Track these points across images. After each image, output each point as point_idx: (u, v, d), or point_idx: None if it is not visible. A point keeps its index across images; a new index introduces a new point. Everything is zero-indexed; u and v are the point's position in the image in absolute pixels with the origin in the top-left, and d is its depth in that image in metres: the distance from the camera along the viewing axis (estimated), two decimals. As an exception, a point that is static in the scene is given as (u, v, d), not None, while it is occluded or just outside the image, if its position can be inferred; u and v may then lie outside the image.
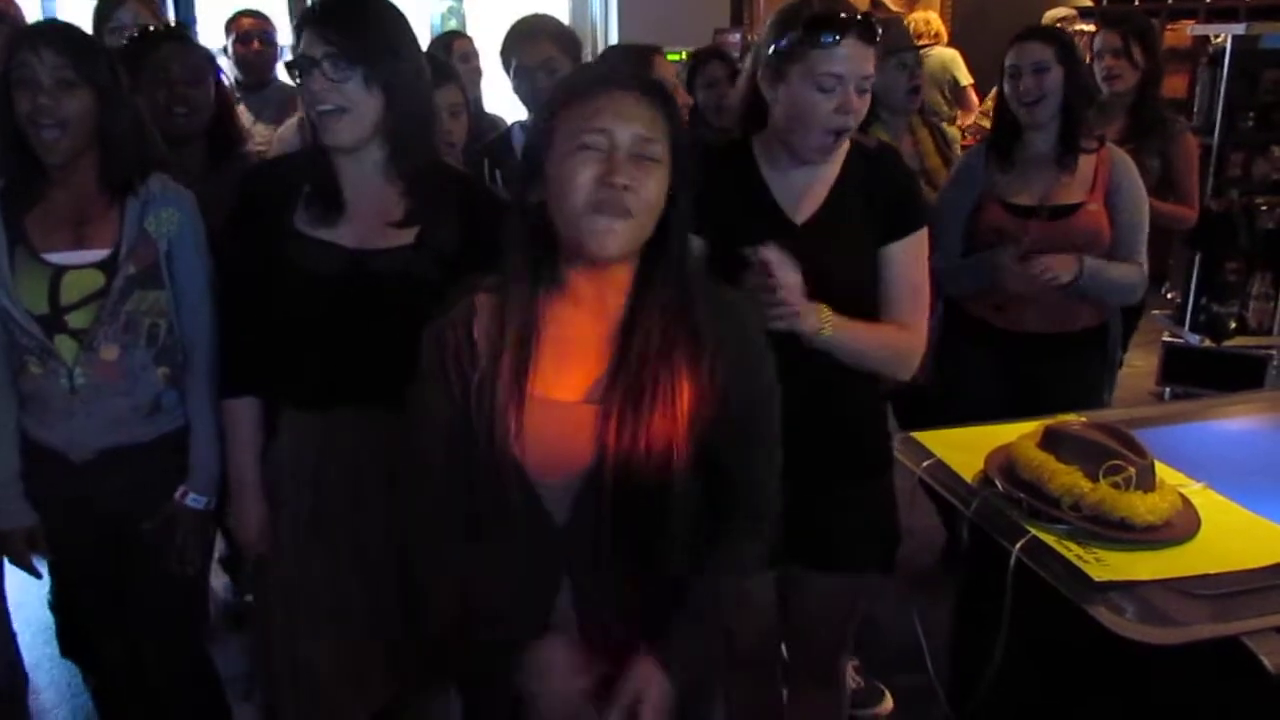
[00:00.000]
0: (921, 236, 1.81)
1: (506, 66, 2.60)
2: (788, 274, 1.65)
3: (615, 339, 1.36)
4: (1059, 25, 5.61)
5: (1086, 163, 2.62)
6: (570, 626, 1.44)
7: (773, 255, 1.65)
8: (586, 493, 1.36)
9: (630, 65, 1.42)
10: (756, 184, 1.81)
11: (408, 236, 1.77)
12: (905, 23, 3.20)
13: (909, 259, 1.80)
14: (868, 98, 1.74)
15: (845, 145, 1.80)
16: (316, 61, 1.67)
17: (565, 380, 1.36)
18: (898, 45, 2.97)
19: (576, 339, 1.37)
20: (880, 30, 1.75)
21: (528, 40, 2.55)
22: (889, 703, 2.77)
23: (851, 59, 1.70)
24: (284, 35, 3.87)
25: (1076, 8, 6.07)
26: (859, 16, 1.71)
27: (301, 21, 1.71)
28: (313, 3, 1.73)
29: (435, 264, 1.73)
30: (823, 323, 1.68)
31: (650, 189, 1.29)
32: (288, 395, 1.88)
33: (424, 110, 1.81)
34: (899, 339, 1.79)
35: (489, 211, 1.75)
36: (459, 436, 1.38)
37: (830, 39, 1.68)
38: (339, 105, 1.69)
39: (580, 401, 1.35)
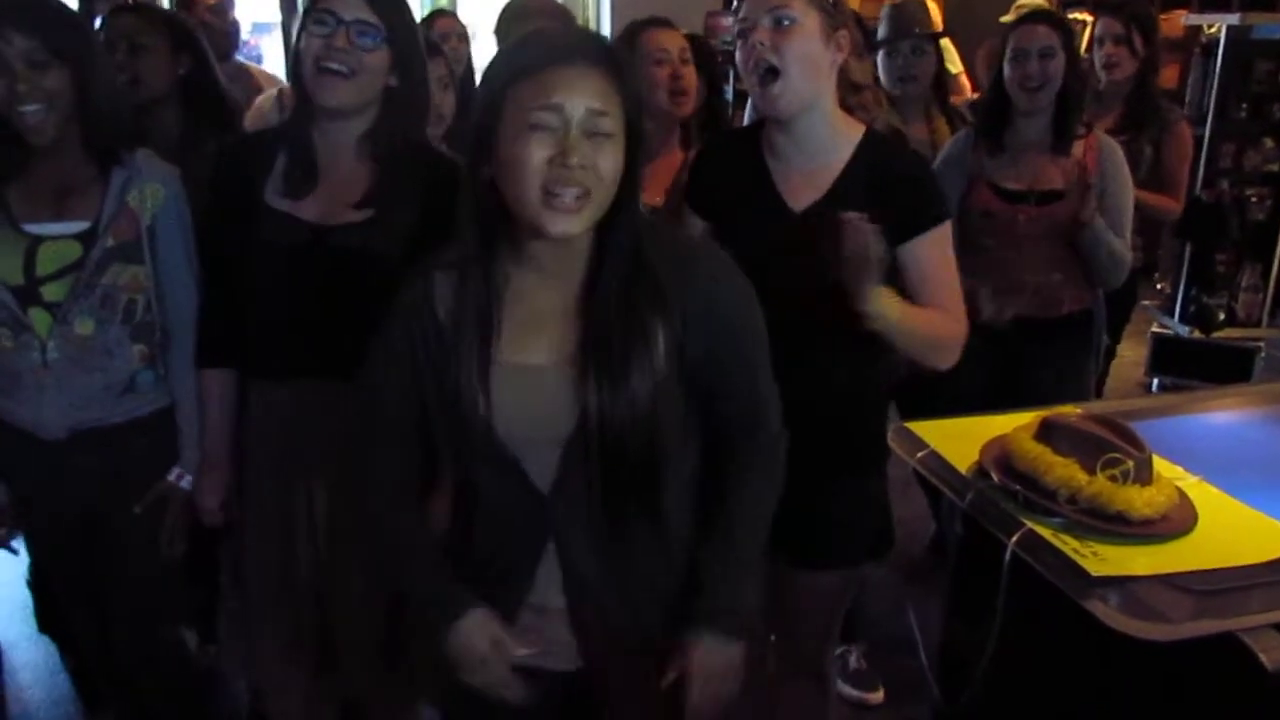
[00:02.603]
0: (944, 231, 1.75)
1: (501, 44, 2.58)
2: (873, 248, 1.59)
3: (581, 302, 1.35)
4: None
5: (1074, 149, 2.63)
6: (557, 606, 1.43)
7: (855, 228, 1.59)
8: (572, 456, 1.35)
9: (588, 35, 1.39)
10: (760, 171, 1.78)
11: (365, 214, 1.77)
12: (907, 11, 3.14)
13: (934, 254, 1.74)
14: (791, 30, 1.66)
15: (856, 133, 1.76)
16: (344, 22, 1.69)
17: (537, 347, 1.36)
18: (892, 35, 2.97)
19: (545, 307, 1.37)
20: None
21: (522, 19, 2.54)
22: (880, 694, 2.78)
23: (753, 0, 1.69)
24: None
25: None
26: None
27: None
28: None
29: (393, 240, 1.73)
30: (886, 307, 1.63)
31: (606, 165, 1.27)
32: (255, 367, 1.90)
33: (425, 82, 1.86)
34: (948, 326, 1.76)
35: (452, 192, 1.76)
36: (434, 413, 1.38)
37: None
38: (351, 68, 1.70)
39: (554, 364, 1.34)
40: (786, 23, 1.66)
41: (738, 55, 1.74)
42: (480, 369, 1.33)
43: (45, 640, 2.81)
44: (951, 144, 2.81)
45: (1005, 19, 5.84)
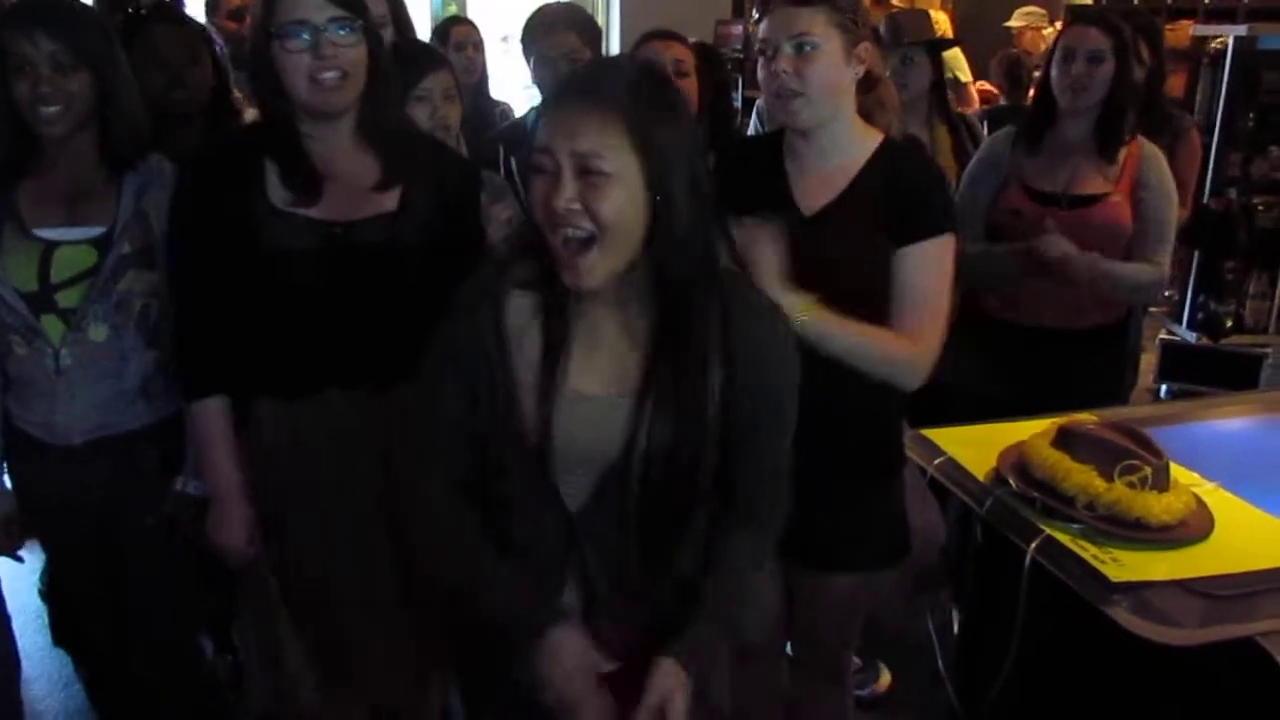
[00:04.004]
0: (941, 243, 1.71)
1: (527, 56, 2.56)
2: (763, 252, 1.59)
3: (645, 337, 1.34)
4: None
5: (1119, 155, 2.56)
6: (573, 617, 1.43)
7: (746, 232, 1.59)
8: (608, 483, 1.35)
9: (607, 70, 1.36)
10: (777, 174, 1.79)
11: (390, 202, 1.72)
12: (897, 22, 3.13)
13: (922, 265, 1.69)
14: (813, 55, 1.66)
15: (874, 140, 1.77)
16: (319, 27, 1.61)
17: (595, 376, 1.35)
18: (896, 41, 2.98)
19: (610, 338, 1.36)
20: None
21: (548, 30, 2.51)
22: (886, 678, 2.78)
23: (774, 22, 1.68)
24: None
25: (1071, 6, 6.05)
26: None
27: None
28: None
29: (417, 230, 1.70)
30: (798, 311, 1.59)
31: (605, 207, 1.21)
32: (269, 385, 1.79)
33: (393, 68, 1.79)
34: (893, 347, 1.68)
35: (459, 174, 1.77)
36: (477, 428, 1.36)
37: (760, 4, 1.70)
38: (342, 70, 1.64)
39: (611, 395, 1.34)
40: (808, 48, 1.67)
41: (760, 74, 1.74)
42: (544, 394, 1.31)
43: (60, 651, 2.79)
44: (990, 142, 2.76)
45: (1009, 24, 5.88)
